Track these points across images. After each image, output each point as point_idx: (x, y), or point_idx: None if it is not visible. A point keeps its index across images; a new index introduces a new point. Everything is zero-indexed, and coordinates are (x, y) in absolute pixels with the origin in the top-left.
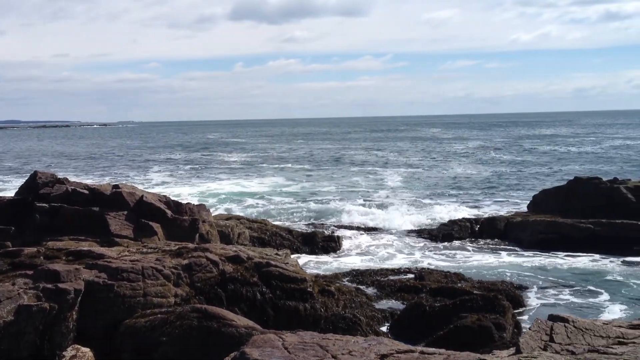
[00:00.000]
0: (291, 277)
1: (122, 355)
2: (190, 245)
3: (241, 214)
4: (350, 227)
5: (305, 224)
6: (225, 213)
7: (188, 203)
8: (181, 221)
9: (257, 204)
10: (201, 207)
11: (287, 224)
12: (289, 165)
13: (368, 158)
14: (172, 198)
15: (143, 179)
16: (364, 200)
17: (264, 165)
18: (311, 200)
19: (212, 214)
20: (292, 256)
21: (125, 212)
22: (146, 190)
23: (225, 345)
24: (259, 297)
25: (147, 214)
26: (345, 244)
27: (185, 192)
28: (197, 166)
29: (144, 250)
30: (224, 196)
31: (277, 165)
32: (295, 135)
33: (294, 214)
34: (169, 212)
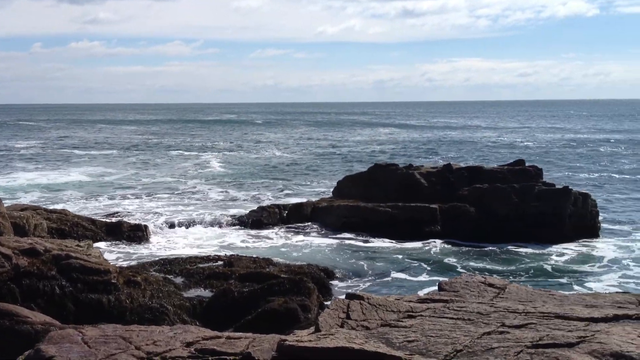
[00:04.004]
0: (94, 269)
1: None
2: None
3: (40, 205)
4: (159, 216)
5: (110, 214)
6: (21, 203)
7: None
8: None
9: (64, 195)
10: None
11: (87, 214)
12: (101, 152)
13: (183, 143)
14: None
15: None
16: (179, 189)
17: (74, 152)
18: (122, 190)
19: (5, 204)
20: (96, 246)
21: None
22: None
23: (20, 343)
24: (58, 292)
25: None
26: (153, 234)
27: None
28: None
29: None
30: (24, 189)
31: (89, 152)
32: (102, 121)
33: (101, 204)
34: None
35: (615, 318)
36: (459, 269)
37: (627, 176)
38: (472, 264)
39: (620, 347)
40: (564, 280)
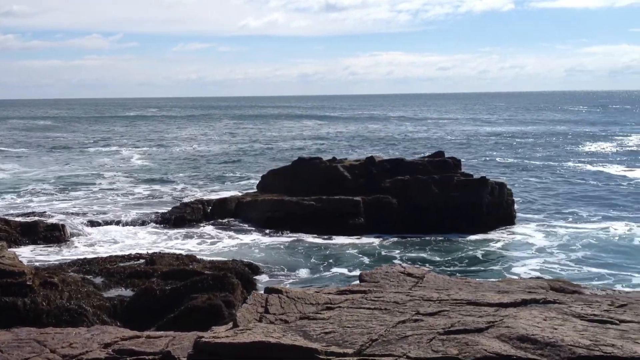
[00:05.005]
0: (7, 271)
1: None
2: None
3: None
4: (78, 215)
5: (25, 213)
6: None
7: None
8: None
9: None
10: None
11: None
12: (14, 149)
13: (102, 139)
14: None
15: None
16: (99, 187)
17: None
18: (38, 188)
19: None
20: (11, 249)
21: None
22: None
23: None
24: None
25: None
26: (72, 233)
27: None
28: None
29: None
30: None
31: (0, 149)
32: (16, 117)
33: (15, 203)
34: None
35: (524, 303)
36: (383, 261)
37: (540, 163)
38: (396, 254)
39: (526, 330)
40: (483, 268)
